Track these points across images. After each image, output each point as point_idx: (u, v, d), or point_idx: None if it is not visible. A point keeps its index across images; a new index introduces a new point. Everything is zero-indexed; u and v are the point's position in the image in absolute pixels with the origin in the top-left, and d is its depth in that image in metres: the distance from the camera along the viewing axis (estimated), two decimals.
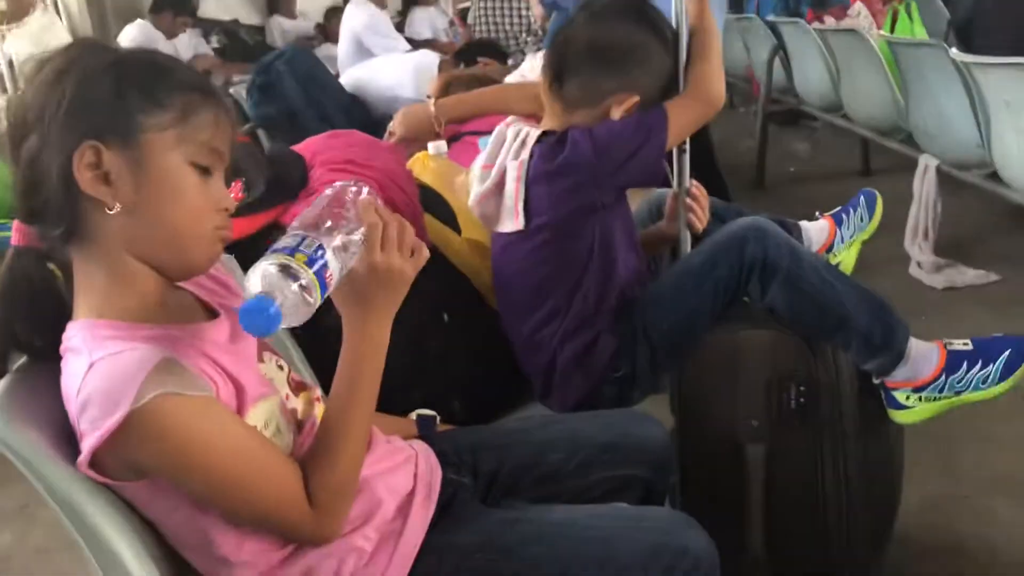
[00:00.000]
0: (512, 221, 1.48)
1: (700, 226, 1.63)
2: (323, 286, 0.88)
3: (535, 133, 1.50)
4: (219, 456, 0.90)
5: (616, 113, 1.47)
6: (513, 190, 1.47)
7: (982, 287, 3.06)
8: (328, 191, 1.04)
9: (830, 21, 3.92)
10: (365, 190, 1.04)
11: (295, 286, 0.85)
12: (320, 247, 0.90)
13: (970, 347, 1.46)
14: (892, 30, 3.65)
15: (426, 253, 1.04)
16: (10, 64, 3.67)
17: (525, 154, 1.47)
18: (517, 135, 1.52)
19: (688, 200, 1.62)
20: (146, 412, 0.84)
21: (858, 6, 3.94)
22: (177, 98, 0.94)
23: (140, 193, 0.92)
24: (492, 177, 1.52)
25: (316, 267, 0.88)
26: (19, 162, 0.93)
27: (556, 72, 1.51)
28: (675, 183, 1.63)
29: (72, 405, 0.88)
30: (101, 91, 0.91)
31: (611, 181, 1.46)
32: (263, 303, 0.84)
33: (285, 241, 0.90)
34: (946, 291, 3.05)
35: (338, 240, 0.94)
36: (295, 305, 0.86)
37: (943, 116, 2.95)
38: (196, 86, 0.97)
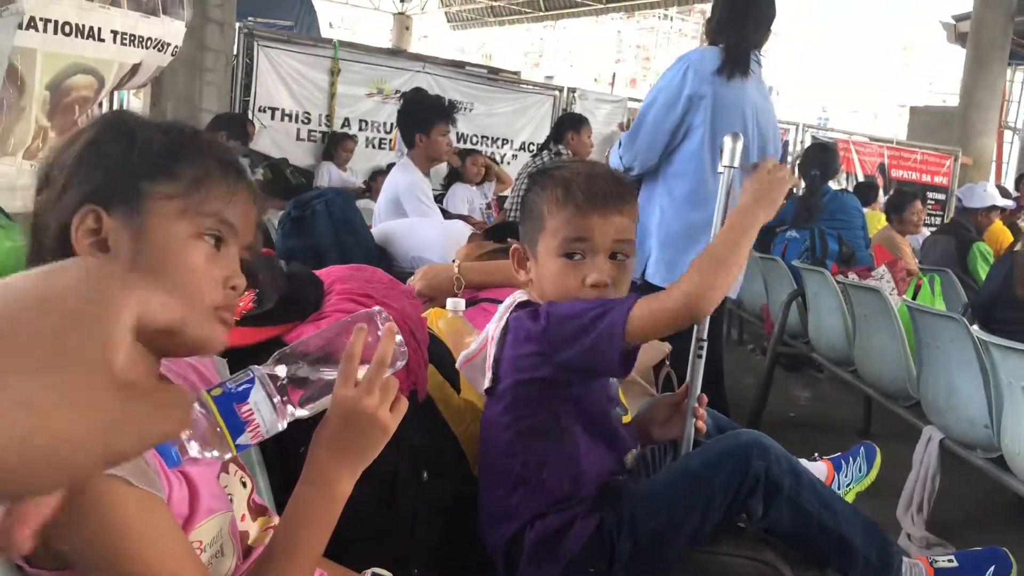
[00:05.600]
0: (484, 379, 1.49)
1: (704, 430, 1.58)
2: (233, 420, 0.87)
3: (520, 299, 1.51)
4: (152, 559, 0.81)
5: (512, 264, 1.53)
6: (488, 350, 1.49)
7: None
8: (349, 317, 1.01)
9: (853, 278, 4.00)
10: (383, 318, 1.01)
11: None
12: (249, 381, 0.89)
13: (955, 564, 1.45)
14: (914, 299, 3.71)
15: (404, 404, 0.98)
16: None
17: (505, 318, 1.49)
18: (512, 302, 1.52)
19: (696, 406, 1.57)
20: (89, 491, 0.77)
21: (882, 269, 4.02)
22: (189, 168, 0.91)
23: (136, 262, 0.88)
24: (478, 340, 1.53)
25: (225, 402, 0.88)
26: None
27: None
28: (688, 385, 1.58)
29: None
30: (109, 153, 0.90)
31: (559, 358, 1.37)
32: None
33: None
34: None
35: (282, 371, 0.92)
36: (205, 436, 0.87)
37: (954, 391, 2.93)
38: (216, 156, 0.94)
